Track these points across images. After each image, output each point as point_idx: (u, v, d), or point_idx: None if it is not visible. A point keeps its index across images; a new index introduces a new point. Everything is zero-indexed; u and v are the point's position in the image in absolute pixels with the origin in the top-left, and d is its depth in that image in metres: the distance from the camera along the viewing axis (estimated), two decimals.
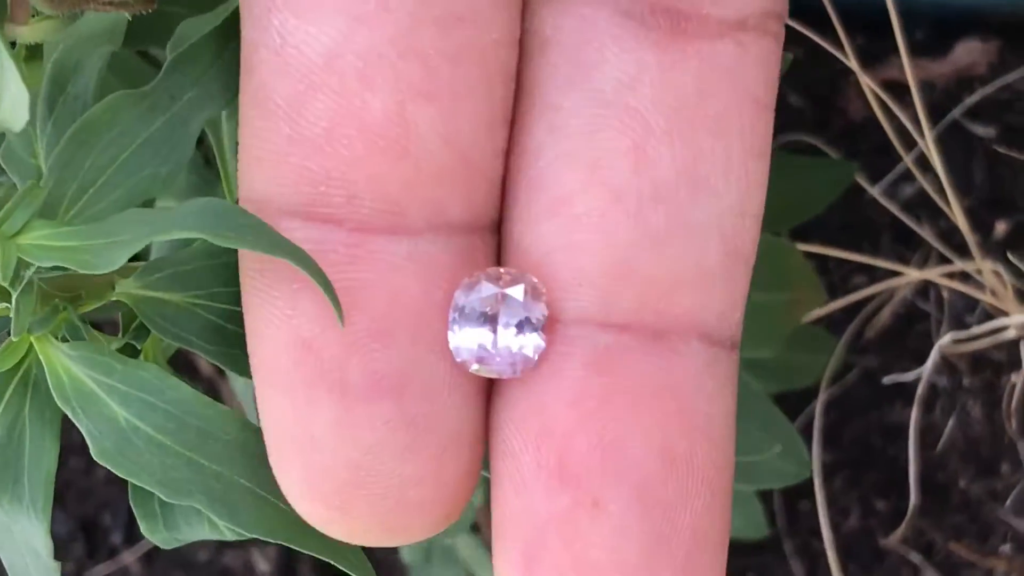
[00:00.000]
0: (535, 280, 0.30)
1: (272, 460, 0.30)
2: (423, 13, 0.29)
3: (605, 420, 0.30)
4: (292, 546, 0.30)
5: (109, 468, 0.30)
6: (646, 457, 0.30)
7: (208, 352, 0.32)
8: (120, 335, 0.32)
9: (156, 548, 0.72)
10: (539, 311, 0.30)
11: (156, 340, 0.32)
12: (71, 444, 0.73)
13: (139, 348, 0.32)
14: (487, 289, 0.30)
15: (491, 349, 0.30)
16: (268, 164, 0.30)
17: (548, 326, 0.30)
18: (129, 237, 0.28)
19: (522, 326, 0.30)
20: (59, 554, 0.72)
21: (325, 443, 0.29)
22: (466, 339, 0.30)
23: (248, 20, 0.30)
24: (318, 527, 0.31)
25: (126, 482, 0.32)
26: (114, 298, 0.32)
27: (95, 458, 0.29)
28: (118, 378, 0.30)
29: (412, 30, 0.29)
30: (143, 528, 0.34)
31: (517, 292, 0.30)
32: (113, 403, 0.29)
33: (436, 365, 0.30)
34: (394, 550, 0.71)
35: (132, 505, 0.33)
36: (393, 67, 0.29)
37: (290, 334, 0.29)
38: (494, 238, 0.31)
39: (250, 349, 0.30)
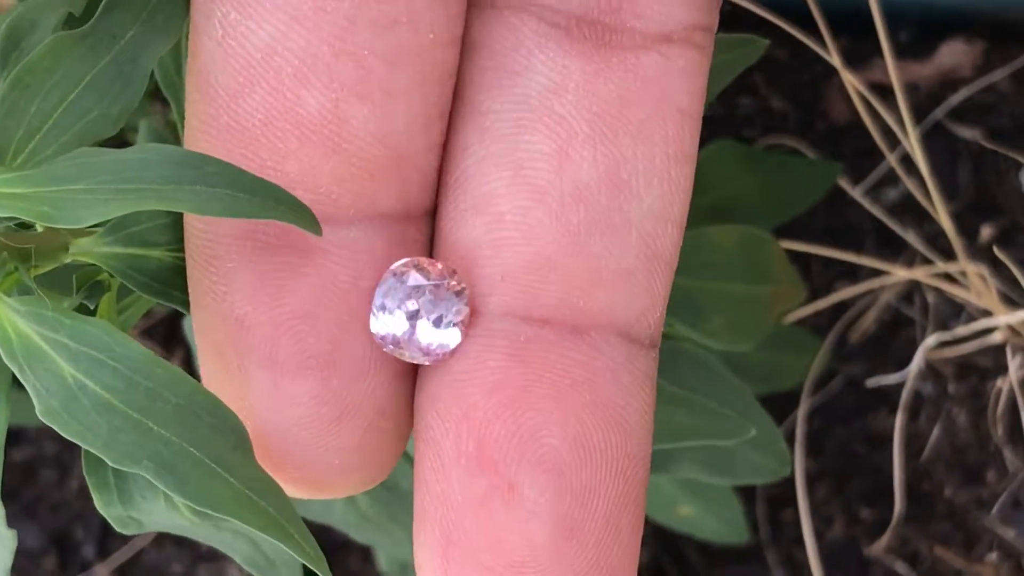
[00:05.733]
0: (459, 278, 0.31)
1: None
2: (359, 15, 0.30)
3: (523, 408, 0.31)
4: (238, 521, 0.30)
5: (55, 428, 0.29)
6: (562, 445, 0.31)
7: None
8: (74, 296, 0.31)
9: (129, 562, 0.71)
10: (460, 309, 0.31)
11: (110, 301, 0.32)
12: (41, 456, 0.72)
13: (92, 309, 0.32)
14: (413, 279, 0.31)
15: (406, 339, 0.31)
16: (209, 149, 0.31)
17: (471, 319, 0.31)
18: (86, 186, 0.27)
19: (440, 321, 0.31)
20: (30, 568, 0.71)
21: (257, 412, 0.31)
22: (385, 326, 0.31)
23: (194, 4, 0.31)
24: None
25: None
26: (69, 260, 0.31)
27: (40, 417, 0.29)
28: (66, 334, 0.29)
29: (348, 31, 0.30)
30: (97, 501, 0.33)
31: (440, 289, 0.31)
32: (61, 359, 0.29)
33: (362, 347, 0.32)
34: (371, 561, 0.70)
35: (85, 474, 0.32)
36: (328, 66, 0.30)
37: (225, 310, 0.31)
38: (428, 225, 0.33)
39: (192, 319, 0.32)
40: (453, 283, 0.31)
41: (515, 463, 0.31)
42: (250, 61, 0.30)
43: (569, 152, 0.31)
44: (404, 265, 0.31)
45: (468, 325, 0.31)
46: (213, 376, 0.32)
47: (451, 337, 0.31)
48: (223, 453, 0.30)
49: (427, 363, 0.32)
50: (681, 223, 0.33)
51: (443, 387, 0.32)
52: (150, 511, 0.33)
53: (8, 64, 0.31)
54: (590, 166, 0.32)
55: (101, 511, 0.33)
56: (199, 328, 0.32)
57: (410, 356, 0.32)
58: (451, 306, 0.31)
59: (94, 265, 0.32)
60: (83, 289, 0.31)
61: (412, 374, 0.33)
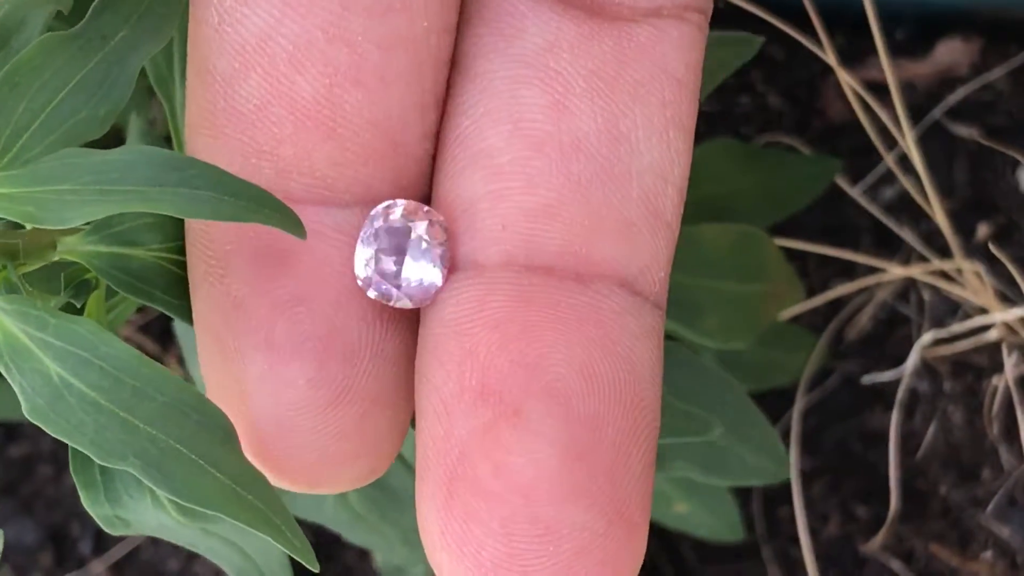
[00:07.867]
0: (441, 218, 0.31)
1: None
2: (353, 2, 0.30)
3: (528, 341, 0.31)
4: (225, 516, 0.30)
5: (41, 426, 0.29)
6: (568, 373, 0.30)
7: (172, 307, 0.32)
8: (61, 294, 0.31)
9: (126, 557, 0.72)
10: (442, 247, 0.31)
11: (98, 300, 0.32)
12: (38, 452, 0.72)
13: (80, 308, 0.32)
14: (394, 219, 0.31)
15: (392, 277, 0.31)
16: (207, 133, 0.31)
17: (473, 270, 0.31)
18: (71, 187, 0.27)
19: (423, 258, 0.31)
20: (27, 564, 0.71)
21: (252, 397, 0.31)
22: (368, 267, 0.31)
23: None
24: None
25: None
26: (56, 258, 0.31)
27: (27, 415, 0.29)
28: (52, 332, 0.29)
29: (342, 17, 0.30)
30: (84, 500, 0.33)
31: (421, 227, 0.31)
32: (46, 358, 0.29)
33: (358, 330, 0.32)
34: (367, 559, 0.70)
35: (72, 472, 0.32)
36: (322, 52, 0.31)
37: (223, 292, 0.31)
38: None
39: (192, 304, 0.32)
40: (436, 224, 0.31)
41: (521, 391, 0.30)
42: (245, 47, 0.31)
43: (567, 104, 0.31)
44: (386, 207, 0.31)
45: (471, 276, 0.31)
46: (210, 363, 0.32)
47: (433, 274, 0.31)
48: (210, 449, 0.30)
49: (411, 305, 0.31)
50: (681, 189, 0.33)
51: (444, 333, 0.31)
52: (137, 510, 0.33)
53: None
54: (588, 118, 0.31)
55: (88, 509, 0.33)
56: (197, 313, 0.32)
57: (396, 298, 0.31)
58: (432, 242, 0.31)
59: (82, 263, 0.32)
60: (70, 288, 0.31)
61: (411, 357, 0.32)
